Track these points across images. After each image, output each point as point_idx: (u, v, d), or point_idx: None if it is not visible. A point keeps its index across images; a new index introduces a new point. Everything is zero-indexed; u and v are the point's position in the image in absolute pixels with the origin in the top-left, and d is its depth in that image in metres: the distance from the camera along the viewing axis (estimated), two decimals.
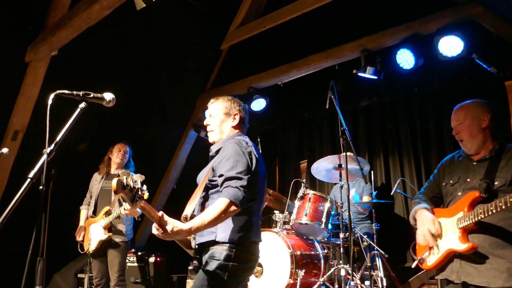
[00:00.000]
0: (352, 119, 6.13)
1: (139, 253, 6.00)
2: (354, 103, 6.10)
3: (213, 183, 2.33)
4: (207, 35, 6.43)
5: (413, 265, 2.50)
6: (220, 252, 2.17)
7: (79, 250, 4.56)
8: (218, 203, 2.12)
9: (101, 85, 5.36)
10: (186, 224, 2.06)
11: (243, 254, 2.22)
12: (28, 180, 1.60)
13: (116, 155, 4.59)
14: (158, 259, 6.05)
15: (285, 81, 6.03)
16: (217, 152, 2.43)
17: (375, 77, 4.85)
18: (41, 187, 1.64)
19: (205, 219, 2.07)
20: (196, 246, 2.35)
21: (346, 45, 5.20)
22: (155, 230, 2.05)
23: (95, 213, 4.54)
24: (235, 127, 2.53)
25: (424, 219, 2.40)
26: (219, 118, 2.53)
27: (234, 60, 6.72)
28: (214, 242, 2.21)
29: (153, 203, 7.11)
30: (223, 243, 2.18)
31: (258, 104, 6.11)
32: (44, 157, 1.65)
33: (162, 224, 2.00)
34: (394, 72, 4.98)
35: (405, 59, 4.65)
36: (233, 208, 2.10)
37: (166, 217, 2.04)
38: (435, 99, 5.46)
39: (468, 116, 2.36)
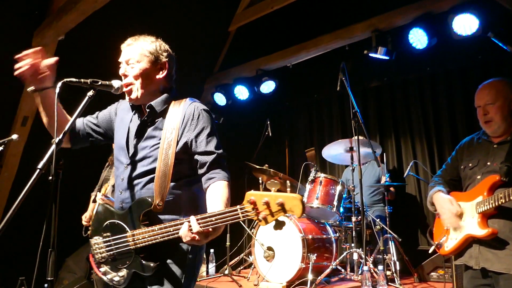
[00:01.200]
0: (362, 100, 6.03)
1: None
2: (364, 84, 5.99)
3: (176, 160, 1.87)
4: (215, 17, 6.32)
5: (430, 250, 2.47)
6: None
7: (83, 233, 4.58)
8: (223, 189, 1.84)
9: (109, 69, 5.36)
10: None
11: None
12: (37, 171, 1.56)
13: None
14: None
15: (294, 62, 5.94)
16: (159, 113, 1.97)
17: (386, 58, 4.75)
18: (50, 178, 1.61)
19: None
20: None
21: (356, 25, 5.08)
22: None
23: (95, 201, 4.52)
24: (161, 81, 2.03)
25: (442, 203, 2.36)
26: (142, 67, 1.97)
27: (242, 42, 6.62)
28: None
29: None
30: None
31: (267, 87, 6.04)
32: (53, 147, 1.61)
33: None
34: (405, 52, 4.87)
35: (418, 38, 4.53)
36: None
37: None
38: (447, 79, 5.33)
39: (499, 96, 2.23)
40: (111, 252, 1.89)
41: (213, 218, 1.65)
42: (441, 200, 2.38)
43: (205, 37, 6.40)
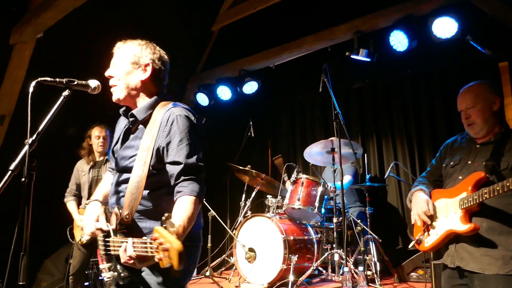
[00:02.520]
0: (344, 101, 6.07)
1: None
2: (346, 85, 6.04)
3: (154, 171, 1.83)
4: (198, 16, 6.29)
5: (410, 246, 2.45)
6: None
7: (70, 239, 4.45)
8: (186, 206, 1.72)
9: (88, 68, 5.27)
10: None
11: (195, 244, 1.97)
12: (9, 172, 1.52)
13: (96, 144, 4.37)
14: None
15: (277, 63, 5.93)
16: (142, 121, 1.93)
17: (368, 60, 4.78)
18: (23, 179, 1.57)
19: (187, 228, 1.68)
20: None
21: (339, 27, 5.11)
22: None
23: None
24: (145, 82, 1.96)
25: (417, 200, 2.39)
26: (124, 69, 1.95)
27: (225, 42, 6.60)
28: None
29: None
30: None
31: (250, 87, 6.02)
32: (26, 148, 1.58)
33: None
34: (386, 54, 4.90)
35: (399, 40, 4.57)
36: (199, 206, 1.78)
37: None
38: (428, 80, 5.41)
39: (479, 99, 2.25)
40: (104, 252, 1.85)
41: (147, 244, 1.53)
42: (418, 198, 2.40)
43: (188, 36, 6.36)
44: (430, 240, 2.33)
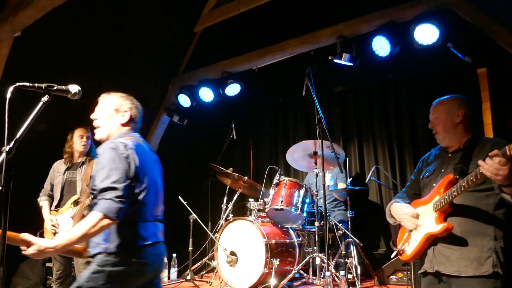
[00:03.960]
0: (326, 104, 6.10)
1: None
2: (328, 89, 6.07)
3: (93, 192, 2.18)
4: (180, 17, 6.23)
5: (393, 255, 2.52)
6: (100, 258, 2.10)
7: None
8: (89, 218, 2.03)
9: (67, 68, 5.18)
10: (52, 242, 1.99)
11: (128, 260, 2.13)
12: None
13: (79, 143, 4.27)
14: None
15: (260, 66, 5.92)
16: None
17: (350, 64, 4.81)
18: (0, 188, 1.51)
19: (74, 236, 1.99)
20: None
21: (322, 31, 5.12)
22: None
23: (59, 206, 4.24)
24: (124, 125, 2.44)
25: (397, 210, 2.47)
26: (108, 114, 2.42)
27: (208, 43, 6.55)
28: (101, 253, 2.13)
29: None
30: (109, 254, 2.10)
31: (233, 89, 6.00)
32: (3, 155, 1.52)
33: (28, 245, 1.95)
34: (369, 59, 4.94)
35: (381, 46, 4.61)
36: (106, 221, 2.02)
37: (30, 237, 1.95)
38: (409, 85, 5.48)
39: (443, 111, 2.45)
40: None
41: None
42: (396, 208, 2.49)
43: (170, 37, 6.29)
44: (410, 248, 2.38)
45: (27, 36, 4.59)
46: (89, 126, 4.18)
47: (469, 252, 2.15)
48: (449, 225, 2.16)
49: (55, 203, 4.24)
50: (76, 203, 4.13)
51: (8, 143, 1.57)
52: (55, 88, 1.75)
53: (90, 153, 4.31)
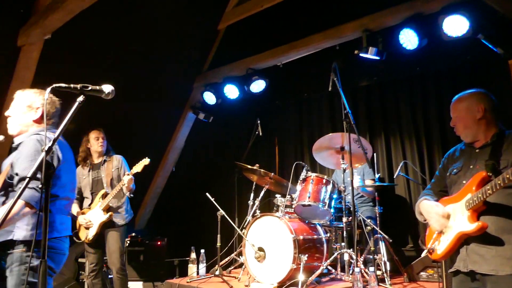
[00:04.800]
0: (352, 99, 6.02)
1: (139, 237, 5.99)
2: (354, 83, 5.99)
3: (10, 181, 2.29)
4: (204, 15, 6.27)
5: (423, 254, 2.47)
6: (19, 255, 2.20)
7: (75, 239, 4.57)
8: (11, 205, 2.08)
9: (96, 68, 5.30)
10: None
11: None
12: (27, 179, 1.52)
13: (96, 145, 4.64)
14: (158, 243, 6.05)
15: (284, 61, 5.91)
16: (19, 145, 2.41)
17: (377, 58, 4.75)
18: (40, 186, 1.57)
19: None
20: None
21: (347, 25, 5.07)
22: None
23: (91, 203, 4.60)
24: (36, 121, 2.50)
25: (428, 208, 2.44)
26: (20, 110, 2.51)
27: (232, 40, 6.58)
28: (12, 241, 2.24)
29: (152, 186, 7.08)
30: (20, 242, 2.22)
31: (258, 86, 6.01)
32: (43, 155, 1.57)
33: None
34: (395, 52, 4.87)
35: (408, 39, 4.53)
36: (27, 209, 2.13)
37: None
38: (437, 79, 5.36)
39: (462, 108, 2.42)
40: None
41: None
42: (427, 206, 2.45)
43: (194, 35, 6.35)
44: (441, 247, 2.34)
45: (57, 39, 4.72)
46: (99, 127, 4.71)
47: (505, 250, 2.10)
48: (484, 224, 2.12)
49: (88, 202, 4.60)
50: (104, 196, 4.49)
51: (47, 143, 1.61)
52: (90, 88, 1.79)
53: (108, 153, 4.71)
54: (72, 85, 1.76)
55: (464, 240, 2.23)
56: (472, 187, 2.20)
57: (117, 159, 4.71)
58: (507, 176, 1.98)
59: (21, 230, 2.24)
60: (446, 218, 2.33)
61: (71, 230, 2.53)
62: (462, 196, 2.26)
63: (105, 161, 4.66)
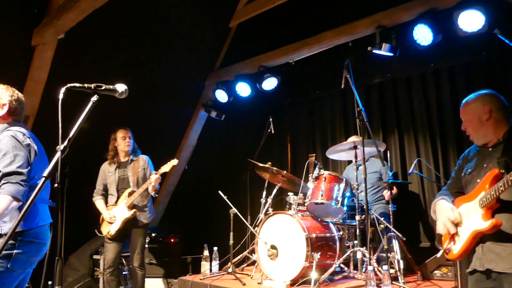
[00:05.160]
0: (364, 96, 5.96)
1: (153, 235, 6.04)
2: (366, 80, 5.94)
3: None
4: (215, 13, 6.27)
5: (439, 255, 2.46)
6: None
7: (98, 233, 4.80)
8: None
9: (109, 67, 5.33)
10: None
11: (28, 241, 2.36)
12: (43, 179, 1.53)
13: (123, 144, 4.77)
14: (171, 240, 6.08)
15: (296, 59, 5.88)
16: None
17: (391, 54, 4.70)
18: (56, 185, 1.58)
19: None
20: None
21: (360, 21, 5.02)
22: None
23: (117, 200, 4.76)
24: (2, 117, 2.56)
25: (442, 208, 2.43)
26: None
27: (244, 38, 6.57)
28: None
29: (165, 184, 7.12)
30: (5, 235, 2.31)
31: (269, 83, 5.99)
32: (58, 154, 1.58)
33: None
34: (408, 48, 4.81)
35: (423, 35, 4.46)
36: (15, 203, 2.24)
37: None
38: (451, 75, 5.27)
39: (470, 112, 2.44)
40: None
41: None
42: (442, 207, 2.44)
43: (206, 33, 6.36)
44: (457, 246, 2.33)
45: (70, 38, 4.76)
46: (127, 127, 4.84)
47: None
48: (498, 222, 2.10)
49: (113, 199, 4.77)
50: (130, 194, 4.65)
51: (62, 142, 1.62)
52: (103, 88, 1.81)
53: (135, 152, 4.85)
54: (86, 85, 1.78)
55: (480, 238, 2.22)
56: (485, 185, 2.19)
57: (143, 159, 4.87)
58: None
59: (9, 224, 2.35)
60: (455, 224, 2.33)
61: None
62: (476, 195, 2.26)
63: (132, 160, 4.81)
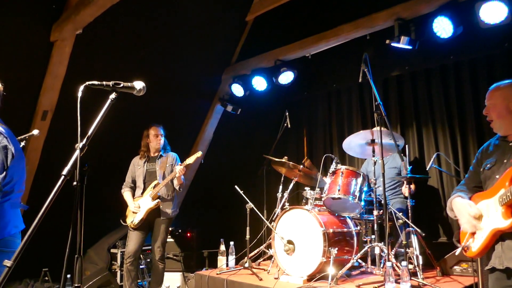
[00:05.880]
0: (382, 89, 5.89)
1: (170, 229, 6.09)
2: (384, 73, 5.85)
3: None
4: (232, 7, 6.25)
5: (457, 252, 2.41)
6: None
7: (122, 222, 4.93)
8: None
9: (126, 63, 5.37)
10: None
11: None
12: (62, 177, 1.54)
13: (155, 142, 4.93)
14: (188, 234, 6.13)
15: (313, 52, 5.83)
16: None
17: (409, 47, 4.61)
18: (75, 183, 1.59)
19: None
20: None
21: (379, 14, 4.94)
22: None
23: (143, 192, 4.90)
24: None
25: (460, 207, 2.38)
26: None
27: (260, 32, 6.53)
28: None
29: None
30: None
31: (286, 77, 5.96)
32: (77, 152, 1.59)
33: None
34: (427, 41, 4.72)
35: (443, 27, 4.37)
36: None
37: None
38: (472, 67, 5.16)
39: (499, 96, 2.35)
40: None
41: None
42: (459, 205, 2.40)
43: (222, 27, 6.34)
44: (476, 244, 2.29)
45: (88, 34, 4.80)
46: (159, 124, 5.01)
47: None
48: None
49: (140, 191, 4.93)
50: (155, 186, 4.80)
51: (81, 140, 1.63)
52: (122, 85, 1.81)
53: (164, 149, 5.02)
54: (104, 83, 1.78)
55: (499, 236, 2.18)
56: (505, 182, 2.15)
57: (172, 156, 5.03)
58: None
59: None
60: (478, 219, 2.28)
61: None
62: (495, 192, 2.21)
63: (161, 155, 4.97)
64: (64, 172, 1.55)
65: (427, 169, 4.68)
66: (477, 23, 4.12)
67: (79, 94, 1.68)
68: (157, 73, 5.65)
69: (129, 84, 1.85)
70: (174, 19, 5.63)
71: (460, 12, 4.29)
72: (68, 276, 4.05)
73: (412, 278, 3.88)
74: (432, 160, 4.54)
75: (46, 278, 5.27)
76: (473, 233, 2.31)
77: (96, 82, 1.74)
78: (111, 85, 1.78)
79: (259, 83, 6.25)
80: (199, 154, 4.80)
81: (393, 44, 4.67)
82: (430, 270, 4.46)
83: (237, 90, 6.44)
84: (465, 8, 4.24)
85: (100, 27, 4.79)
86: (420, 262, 4.14)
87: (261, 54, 6.25)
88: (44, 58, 4.94)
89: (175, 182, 4.78)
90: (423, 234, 4.23)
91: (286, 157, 4.94)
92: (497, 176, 2.25)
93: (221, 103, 6.81)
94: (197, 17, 5.86)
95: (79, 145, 1.61)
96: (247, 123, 7.00)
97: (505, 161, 2.27)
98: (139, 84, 1.88)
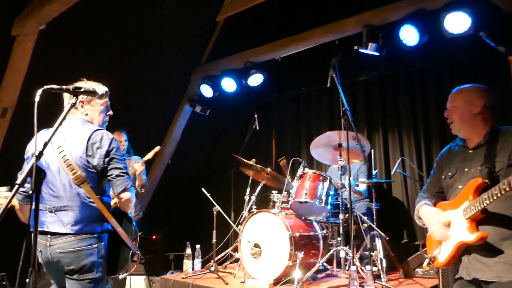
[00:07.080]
0: (350, 94, 5.98)
1: None
2: (352, 78, 5.93)
3: None
4: (202, 6, 6.18)
5: (425, 264, 2.44)
6: None
7: None
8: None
9: (92, 61, 5.21)
10: None
11: None
12: (16, 186, 1.47)
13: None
14: (154, 236, 6.02)
15: (283, 55, 5.83)
16: None
17: (377, 54, 4.68)
18: (31, 192, 1.52)
19: None
20: None
21: (348, 20, 4.99)
22: None
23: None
24: None
25: (428, 215, 2.38)
26: None
27: (231, 33, 6.49)
28: None
29: (149, 178, 7.02)
30: None
31: (255, 79, 5.95)
32: (33, 160, 1.52)
33: None
34: (395, 47, 4.80)
35: (409, 35, 4.46)
36: None
37: None
38: (437, 74, 5.30)
39: (462, 99, 2.34)
40: None
41: None
42: (427, 213, 2.39)
43: (193, 27, 6.26)
44: (443, 256, 2.31)
45: (52, 30, 4.64)
46: (122, 128, 4.88)
47: (507, 256, 2.07)
48: (484, 234, 2.08)
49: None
50: None
51: (37, 147, 1.56)
52: (83, 90, 1.74)
53: (129, 154, 4.97)
54: (64, 87, 1.70)
55: (465, 248, 2.20)
56: (469, 195, 2.15)
57: (135, 160, 4.92)
58: (504, 186, 1.93)
59: None
60: (447, 226, 2.29)
61: None
62: (459, 203, 2.22)
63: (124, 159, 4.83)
64: (18, 181, 1.47)
65: (391, 173, 4.77)
66: (442, 32, 4.21)
67: (36, 98, 1.60)
68: (124, 71, 5.51)
69: (90, 88, 1.78)
70: (143, 16, 5.52)
71: (426, 21, 4.38)
72: (27, 280, 3.92)
73: (376, 281, 3.94)
74: (396, 165, 4.64)
75: (4, 283, 5.07)
76: (440, 244, 2.33)
77: (55, 86, 1.66)
78: (71, 90, 1.71)
79: (229, 84, 6.21)
80: (157, 149, 4.75)
81: (361, 50, 4.73)
82: (394, 272, 4.55)
83: (206, 91, 6.38)
84: (431, 17, 4.33)
85: (65, 23, 4.63)
86: (384, 265, 4.22)
87: (231, 55, 6.21)
88: (5, 53, 4.73)
89: (136, 182, 4.65)
90: (387, 238, 4.31)
91: (254, 160, 4.92)
92: (460, 186, 2.26)
93: (190, 104, 6.73)
94: (167, 16, 5.76)
95: (36, 152, 1.53)
96: (215, 124, 6.94)
97: (465, 169, 2.27)
98: (101, 89, 1.82)
